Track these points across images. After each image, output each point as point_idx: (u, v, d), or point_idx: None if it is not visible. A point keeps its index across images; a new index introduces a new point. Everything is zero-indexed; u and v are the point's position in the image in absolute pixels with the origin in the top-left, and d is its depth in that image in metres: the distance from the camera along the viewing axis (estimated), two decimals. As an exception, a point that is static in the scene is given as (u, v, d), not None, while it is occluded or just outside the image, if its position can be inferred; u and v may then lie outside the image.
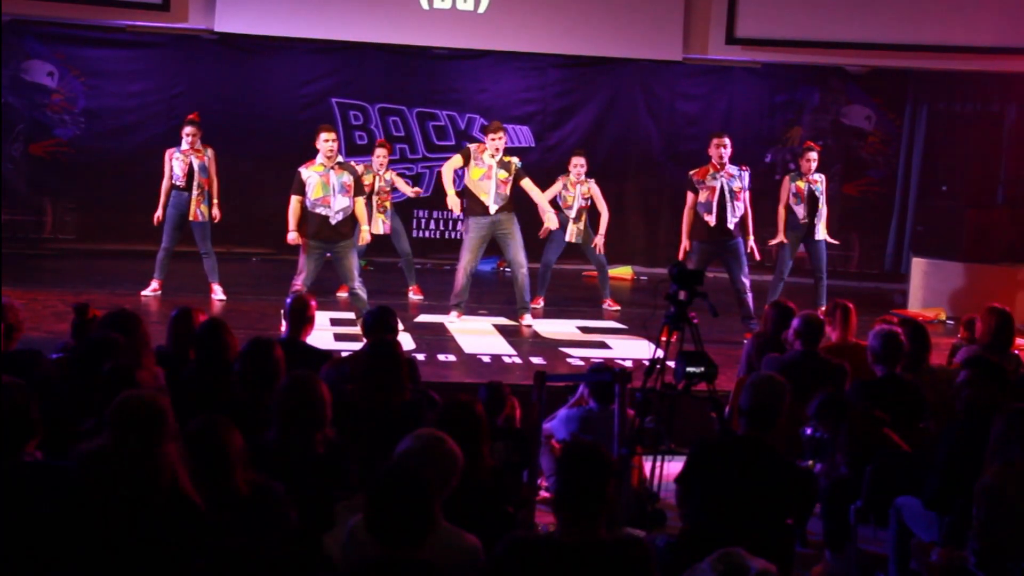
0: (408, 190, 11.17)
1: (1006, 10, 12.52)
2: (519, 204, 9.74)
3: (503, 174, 9.49)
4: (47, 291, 10.16)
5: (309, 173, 8.93)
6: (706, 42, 13.20)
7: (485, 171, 9.47)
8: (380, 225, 10.75)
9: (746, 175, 9.77)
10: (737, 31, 13.00)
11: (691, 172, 9.89)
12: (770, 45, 13.06)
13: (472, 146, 9.76)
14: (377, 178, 10.75)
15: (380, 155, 10.90)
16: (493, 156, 9.47)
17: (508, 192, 9.52)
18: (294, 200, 8.92)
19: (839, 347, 6.63)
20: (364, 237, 9.15)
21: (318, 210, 8.88)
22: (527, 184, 9.66)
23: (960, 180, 13.87)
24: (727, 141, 9.72)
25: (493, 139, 9.49)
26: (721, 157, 9.66)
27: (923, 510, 4.92)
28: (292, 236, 8.93)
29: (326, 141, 8.96)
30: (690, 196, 9.81)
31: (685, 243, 9.83)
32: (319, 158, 8.97)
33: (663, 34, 13.09)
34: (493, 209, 9.45)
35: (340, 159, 9.09)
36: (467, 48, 13.31)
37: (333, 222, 8.89)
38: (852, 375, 6.13)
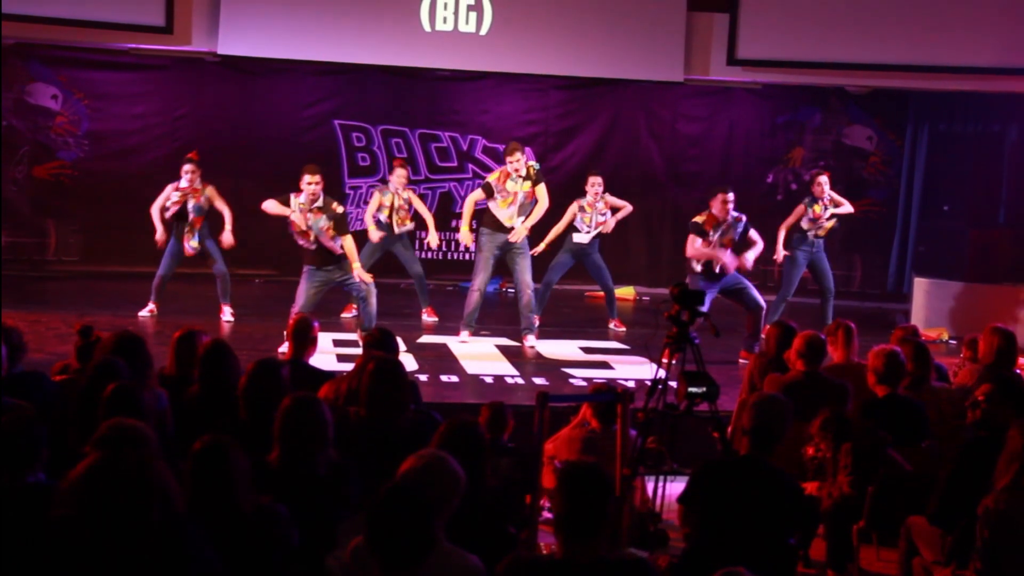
0: (425, 211, 10.96)
1: (1006, 30, 12.55)
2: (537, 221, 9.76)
3: (527, 185, 9.50)
4: (50, 313, 10.17)
5: (295, 205, 8.84)
6: (707, 63, 13.24)
7: (511, 199, 9.48)
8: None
9: (740, 224, 9.48)
10: (738, 52, 13.03)
11: (698, 219, 9.47)
12: (771, 66, 13.10)
13: (492, 180, 9.66)
14: (396, 197, 10.66)
15: (400, 175, 10.71)
16: (515, 180, 9.46)
17: (533, 199, 9.54)
18: (273, 202, 8.94)
19: (841, 367, 6.63)
20: (362, 276, 8.91)
21: (299, 240, 8.90)
22: (540, 191, 9.58)
23: (961, 200, 13.88)
24: (731, 196, 9.37)
25: (511, 161, 9.46)
26: (725, 213, 9.39)
27: (931, 529, 4.91)
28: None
29: (308, 184, 8.80)
30: (692, 238, 9.47)
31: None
32: (302, 196, 8.86)
33: (664, 55, 13.13)
34: (516, 224, 9.48)
35: (320, 202, 8.86)
36: (469, 70, 13.34)
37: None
38: (854, 395, 6.14)
